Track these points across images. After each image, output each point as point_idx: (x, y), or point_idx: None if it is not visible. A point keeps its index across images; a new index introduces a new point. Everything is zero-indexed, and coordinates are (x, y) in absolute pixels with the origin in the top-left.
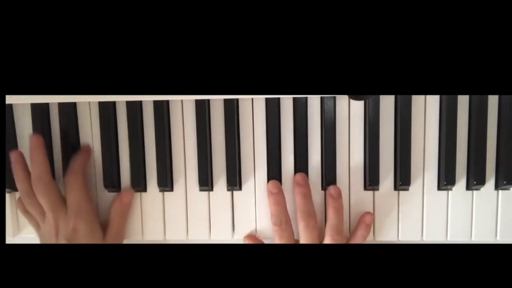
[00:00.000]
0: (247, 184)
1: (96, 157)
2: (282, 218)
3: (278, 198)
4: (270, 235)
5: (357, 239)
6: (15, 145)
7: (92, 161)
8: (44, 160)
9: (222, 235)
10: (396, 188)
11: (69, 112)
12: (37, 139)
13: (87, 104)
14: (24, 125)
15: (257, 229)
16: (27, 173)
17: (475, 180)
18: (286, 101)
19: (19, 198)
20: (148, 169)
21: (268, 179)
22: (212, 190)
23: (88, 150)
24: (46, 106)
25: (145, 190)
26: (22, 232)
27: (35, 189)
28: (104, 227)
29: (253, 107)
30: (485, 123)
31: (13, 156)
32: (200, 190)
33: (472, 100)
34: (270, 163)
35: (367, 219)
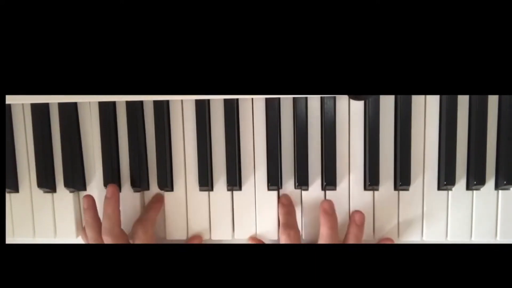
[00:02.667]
0: (247, 184)
1: (96, 157)
2: (291, 227)
3: (288, 209)
4: (270, 235)
5: (350, 239)
6: (13, 145)
7: (93, 161)
8: (116, 212)
9: (222, 235)
10: (396, 188)
11: (69, 112)
12: (113, 189)
13: (87, 104)
14: (23, 125)
15: (257, 230)
16: (97, 221)
17: (475, 180)
18: (286, 101)
19: (84, 230)
20: (148, 169)
21: (268, 179)
22: (212, 190)
23: (161, 199)
24: (46, 106)
25: (146, 189)
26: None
27: (104, 239)
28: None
29: (253, 107)
30: (485, 123)
31: (85, 201)
32: (200, 190)
33: (472, 100)
34: (270, 163)
35: (357, 218)
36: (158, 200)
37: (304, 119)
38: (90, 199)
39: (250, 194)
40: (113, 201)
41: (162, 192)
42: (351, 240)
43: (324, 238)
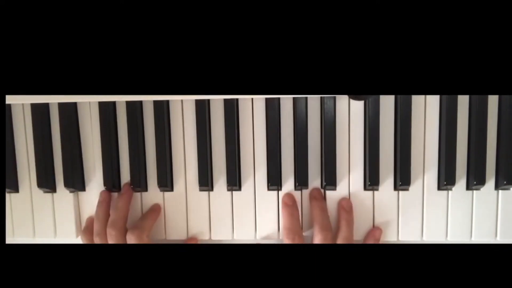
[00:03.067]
0: (247, 184)
1: (96, 157)
2: (295, 232)
3: (292, 210)
4: (270, 236)
5: (342, 225)
6: (13, 145)
7: (93, 161)
8: (125, 207)
9: (222, 235)
10: (396, 188)
11: (69, 112)
12: (128, 187)
13: (87, 104)
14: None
15: (257, 230)
16: (107, 216)
17: (475, 180)
18: (286, 101)
19: (86, 228)
20: (148, 169)
21: (268, 179)
22: (212, 190)
23: (159, 209)
24: (46, 106)
25: (145, 190)
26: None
27: (108, 231)
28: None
29: (253, 107)
30: (485, 123)
31: (101, 195)
32: (200, 190)
33: (472, 100)
34: (270, 163)
35: (344, 204)
36: (155, 210)
37: (304, 119)
38: (107, 194)
39: (250, 194)
40: (126, 197)
41: (160, 202)
42: (344, 226)
43: (316, 220)
